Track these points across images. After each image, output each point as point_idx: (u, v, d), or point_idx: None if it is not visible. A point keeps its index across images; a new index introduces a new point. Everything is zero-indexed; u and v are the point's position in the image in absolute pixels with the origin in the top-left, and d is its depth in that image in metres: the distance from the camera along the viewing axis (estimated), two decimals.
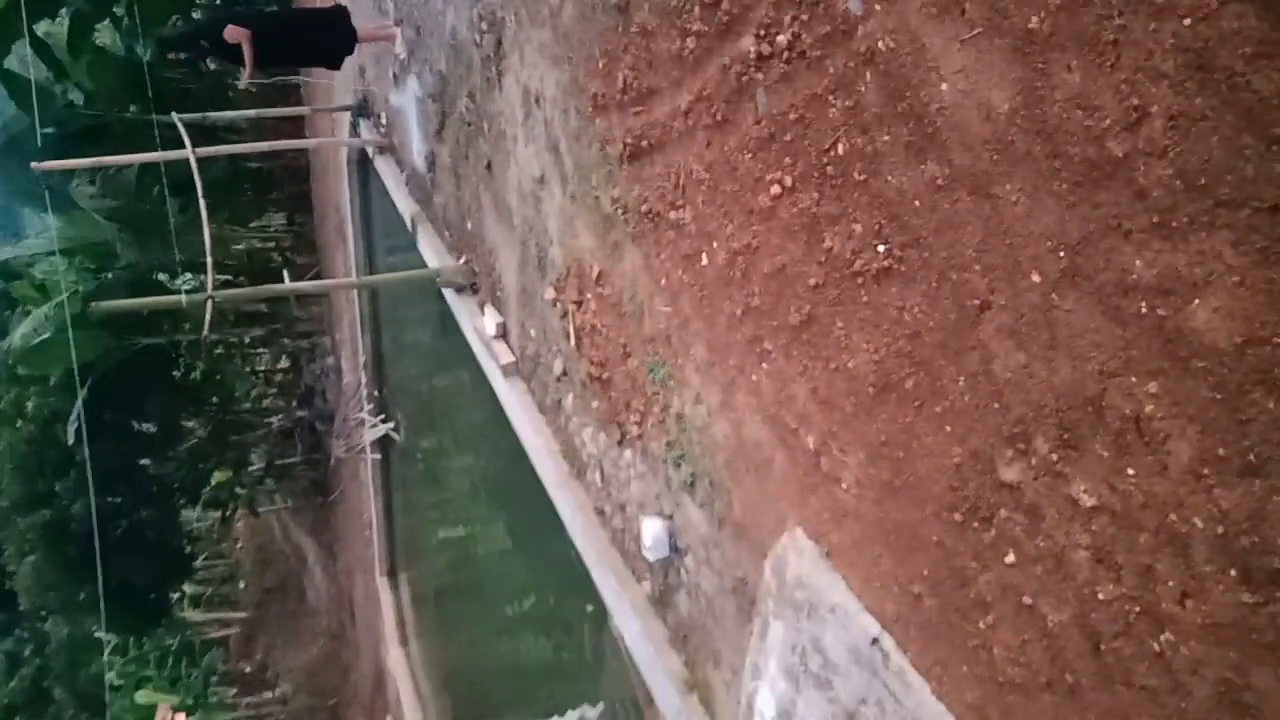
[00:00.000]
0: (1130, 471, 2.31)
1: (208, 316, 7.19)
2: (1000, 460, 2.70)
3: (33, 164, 8.30)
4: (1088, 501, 2.42)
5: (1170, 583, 2.23)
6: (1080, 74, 2.29)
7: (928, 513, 3.03)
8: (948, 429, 2.90)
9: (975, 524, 2.83)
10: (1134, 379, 2.27)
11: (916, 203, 2.88)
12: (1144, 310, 2.22)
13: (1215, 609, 2.14)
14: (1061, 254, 2.41)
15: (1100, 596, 2.42)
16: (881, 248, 3.04)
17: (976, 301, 2.71)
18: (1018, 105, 2.48)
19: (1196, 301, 2.10)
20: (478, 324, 7.33)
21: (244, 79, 8.29)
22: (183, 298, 7.27)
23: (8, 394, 18.74)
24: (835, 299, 3.31)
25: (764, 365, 3.80)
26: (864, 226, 3.11)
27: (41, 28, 16.11)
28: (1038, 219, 2.47)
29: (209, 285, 7.22)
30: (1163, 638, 2.28)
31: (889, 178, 2.97)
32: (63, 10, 15.74)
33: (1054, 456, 2.51)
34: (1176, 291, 2.14)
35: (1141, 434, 2.26)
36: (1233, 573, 2.09)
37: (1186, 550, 2.19)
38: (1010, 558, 2.70)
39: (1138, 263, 2.22)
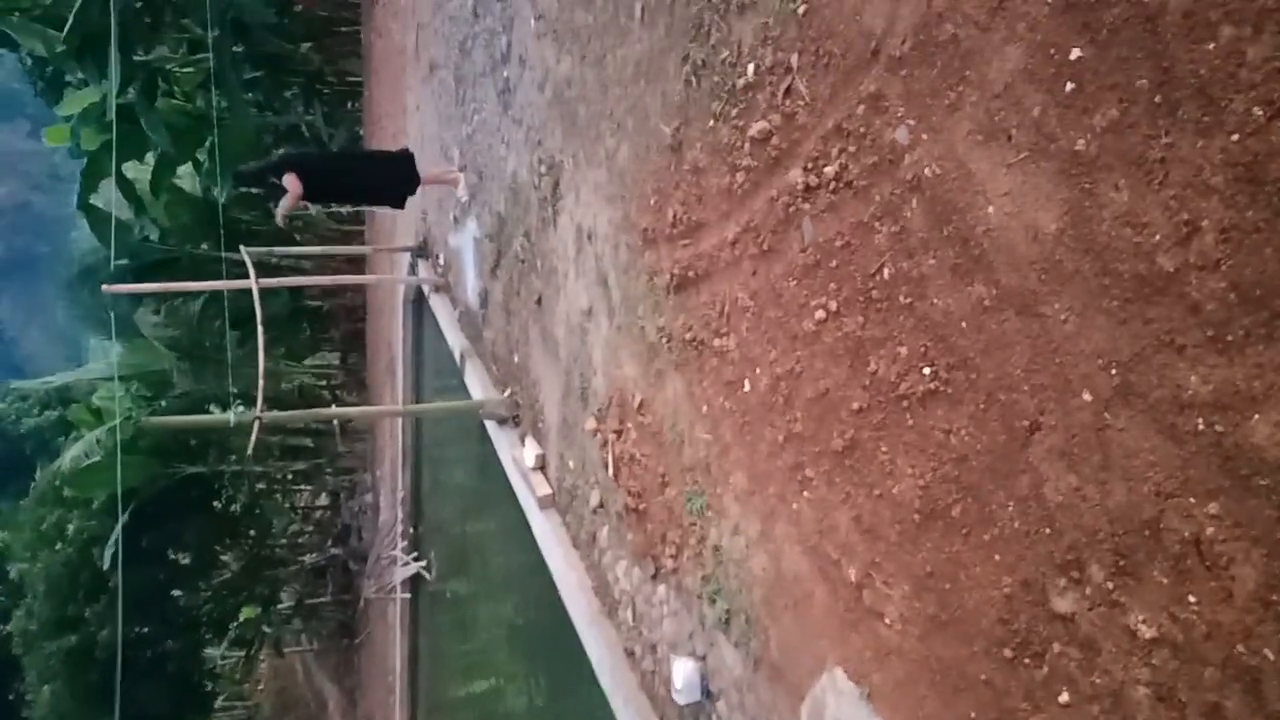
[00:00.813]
0: (1192, 599, 2.18)
1: (254, 436, 7.27)
2: (1053, 590, 2.57)
3: (103, 286, 8.65)
4: (1147, 633, 2.28)
5: None
6: (1129, 192, 2.30)
7: (976, 649, 2.87)
8: (997, 558, 2.78)
9: (1026, 660, 2.67)
10: (1193, 500, 2.17)
11: (963, 324, 2.86)
12: (1201, 427, 2.14)
13: None
14: (1113, 372, 2.36)
15: None
16: (927, 370, 3.01)
17: (1026, 423, 2.64)
18: (1065, 225, 2.48)
19: (1256, 417, 2.02)
20: (517, 455, 7.32)
21: (278, 216, 8.67)
22: (231, 416, 7.39)
23: (51, 515, 18.91)
24: (880, 423, 3.26)
25: (805, 493, 3.71)
26: (909, 349, 3.09)
27: (129, 169, 17.12)
28: (1088, 337, 2.43)
29: (258, 405, 7.34)
30: None
31: (935, 300, 2.97)
32: (149, 154, 16.74)
33: (1110, 585, 2.39)
34: (1234, 407, 2.07)
35: (1203, 558, 2.15)
36: None
37: (1257, 685, 2.03)
38: (1065, 697, 2.53)
39: (1193, 378, 2.16)
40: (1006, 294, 2.70)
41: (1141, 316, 2.28)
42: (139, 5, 15.73)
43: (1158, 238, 2.23)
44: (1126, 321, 2.32)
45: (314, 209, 18.79)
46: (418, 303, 12.62)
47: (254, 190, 11.49)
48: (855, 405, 3.37)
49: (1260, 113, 2.01)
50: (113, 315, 16.62)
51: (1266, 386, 2.00)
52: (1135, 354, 2.30)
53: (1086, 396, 2.44)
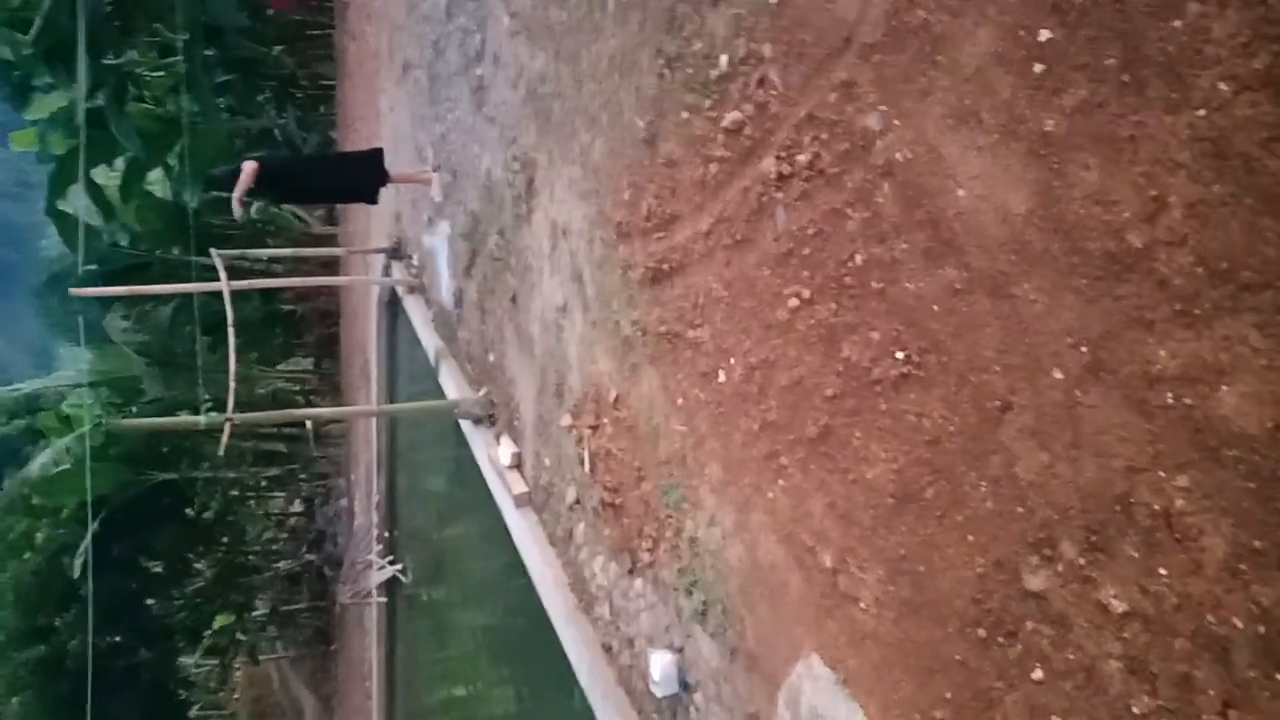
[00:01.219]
0: (1162, 572, 2.19)
1: (225, 438, 7.20)
2: (1025, 568, 2.59)
3: (70, 289, 8.54)
4: (1118, 607, 2.30)
5: (1211, 692, 2.08)
6: (1098, 171, 2.32)
7: (950, 630, 2.88)
8: (970, 539, 2.79)
9: (1000, 639, 2.68)
10: (1162, 473, 2.19)
11: (935, 307, 2.88)
12: (1170, 401, 2.16)
13: (1261, 719, 1.98)
14: (1083, 349, 2.38)
15: (1135, 711, 2.25)
16: (900, 354, 3.02)
17: (997, 403, 2.66)
18: (1035, 205, 2.50)
19: (1224, 388, 2.04)
20: (493, 454, 7.29)
21: (235, 205, 8.54)
22: (202, 418, 7.30)
23: (19, 525, 18.63)
24: (853, 409, 3.27)
25: (780, 482, 3.71)
26: (882, 334, 3.10)
27: (99, 173, 16.92)
28: (1058, 316, 2.45)
29: (230, 407, 7.27)
30: None
31: (906, 284, 2.99)
32: (119, 159, 16.56)
33: (1081, 561, 2.40)
34: (1203, 380, 2.09)
35: (1173, 531, 2.16)
36: (1279, 676, 1.95)
37: (1226, 655, 2.05)
38: (1038, 673, 2.54)
39: (1162, 353, 2.18)
40: (977, 276, 2.72)
41: (1111, 293, 2.30)
42: (108, 9, 15.56)
43: (1126, 215, 2.25)
44: (1096, 299, 2.34)
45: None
46: (392, 305, 12.55)
47: (226, 195, 11.41)
48: (829, 392, 3.37)
49: (1226, 88, 2.03)
50: (82, 321, 16.41)
51: (1233, 358, 2.02)
52: (1105, 331, 2.32)
53: (1057, 375, 2.46)
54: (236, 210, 8.54)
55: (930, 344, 2.90)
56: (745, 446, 3.92)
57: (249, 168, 8.19)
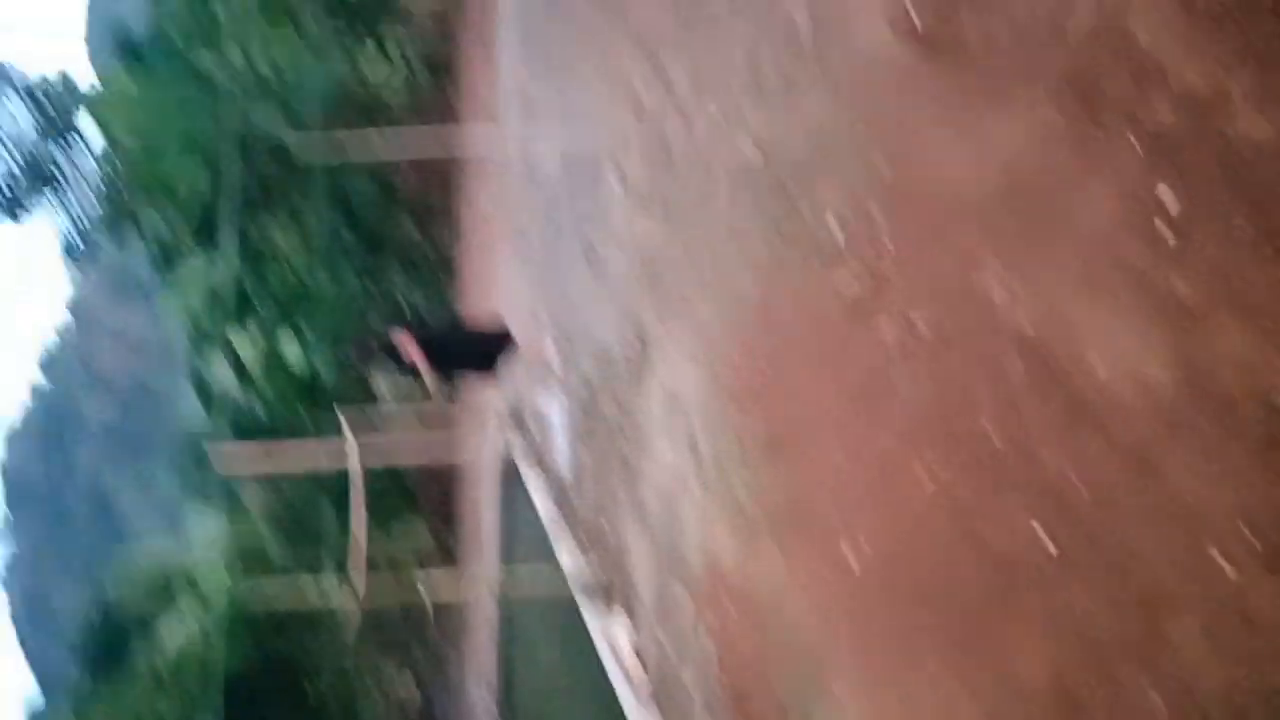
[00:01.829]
0: None
1: (352, 621, 7.21)
2: None
3: (207, 449, 8.91)
4: None
5: None
6: (1238, 335, 2.15)
7: None
8: None
9: None
10: None
11: (1079, 488, 2.66)
12: None
13: None
14: (1248, 533, 2.14)
15: None
16: (1045, 538, 2.79)
17: (1158, 594, 2.40)
18: (1176, 374, 2.33)
19: None
20: (610, 634, 7.07)
21: (431, 391, 8.90)
22: (333, 601, 7.37)
23: (147, 699, 18.82)
24: (1000, 600, 3.02)
25: (923, 680, 3.43)
26: (1024, 517, 2.88)
27: (237, 341, 18.00)
28: (1215, 496, 2.23)
29: (359, 590, 7.30)
30: None
31: (1047, 462, 2.79)
32: (256, 326, 17.63)
33: None
34: None
35: None
36: None
37: None
38: None
39: None
40: (1121, 452, 2.52)
41: (1272, 468, 2.09)
42: (252, 183, 16.90)
43: (1277, 381, 2.07)
44: (1255, 476, 2.12)
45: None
46: (507, 472, 12.67)
47: (363, 363, 11.94)
48: (971, 579, 3.14)
49: None
50: (214, 486, 17.08)
51: None
52: (1270, 511, 2.09)
53: (1222, 563, 2.22)
54: (434, 389, 8.87)
55: (1078, 529, 2.68)
56: (882, 638, 3.66)
57: (413, 349, 8.49)
